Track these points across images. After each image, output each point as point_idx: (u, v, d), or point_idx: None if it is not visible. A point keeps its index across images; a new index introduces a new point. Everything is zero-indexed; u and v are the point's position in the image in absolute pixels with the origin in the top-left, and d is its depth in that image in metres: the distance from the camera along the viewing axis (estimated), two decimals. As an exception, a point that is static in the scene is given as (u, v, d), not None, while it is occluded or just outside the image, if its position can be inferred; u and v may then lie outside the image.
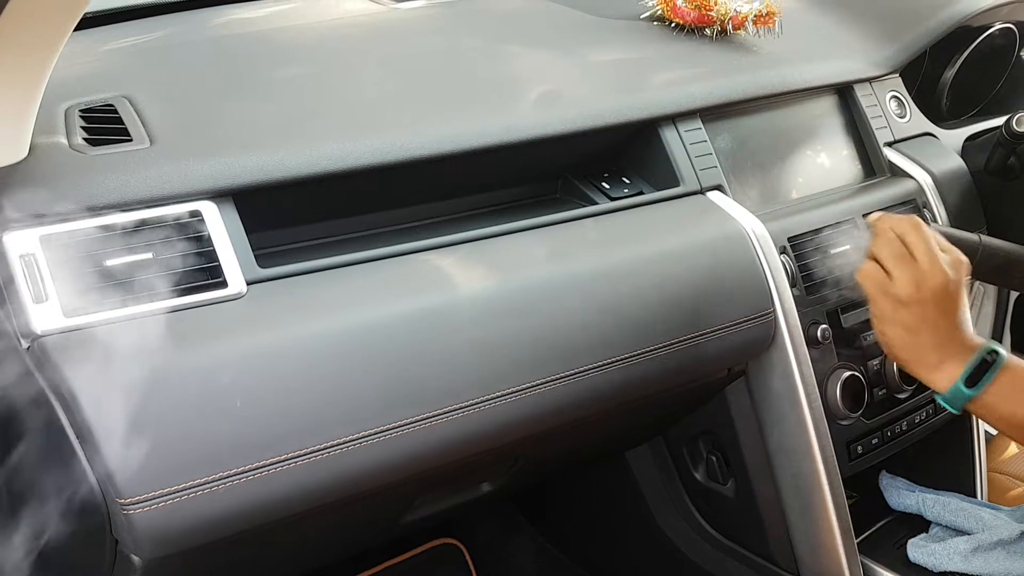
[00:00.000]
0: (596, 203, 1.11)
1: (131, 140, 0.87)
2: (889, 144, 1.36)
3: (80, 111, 0.91)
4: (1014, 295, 1.91)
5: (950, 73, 1.55)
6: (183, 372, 0.74)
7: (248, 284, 0.82)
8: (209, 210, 0.83)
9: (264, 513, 0.79)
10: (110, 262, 0.78)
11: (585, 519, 1.60)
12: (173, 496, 0.73)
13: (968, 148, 1.45)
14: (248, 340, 0.78)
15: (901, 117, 1.40)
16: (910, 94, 1.44)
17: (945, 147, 1.42)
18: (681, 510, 1.37)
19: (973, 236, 1.18)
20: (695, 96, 1.18)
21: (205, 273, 0.81)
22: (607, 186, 1.14)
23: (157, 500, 0.73)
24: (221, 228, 0.83)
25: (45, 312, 0.74)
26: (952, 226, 1.31)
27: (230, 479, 0.75)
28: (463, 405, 0.87)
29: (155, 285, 0.78)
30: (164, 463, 0.73)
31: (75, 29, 0.74)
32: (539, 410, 0.93)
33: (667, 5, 1.32)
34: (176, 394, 0.74)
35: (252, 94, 1.00)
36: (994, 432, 1.52)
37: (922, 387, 1.27)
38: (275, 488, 0.78)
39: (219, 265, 0.81)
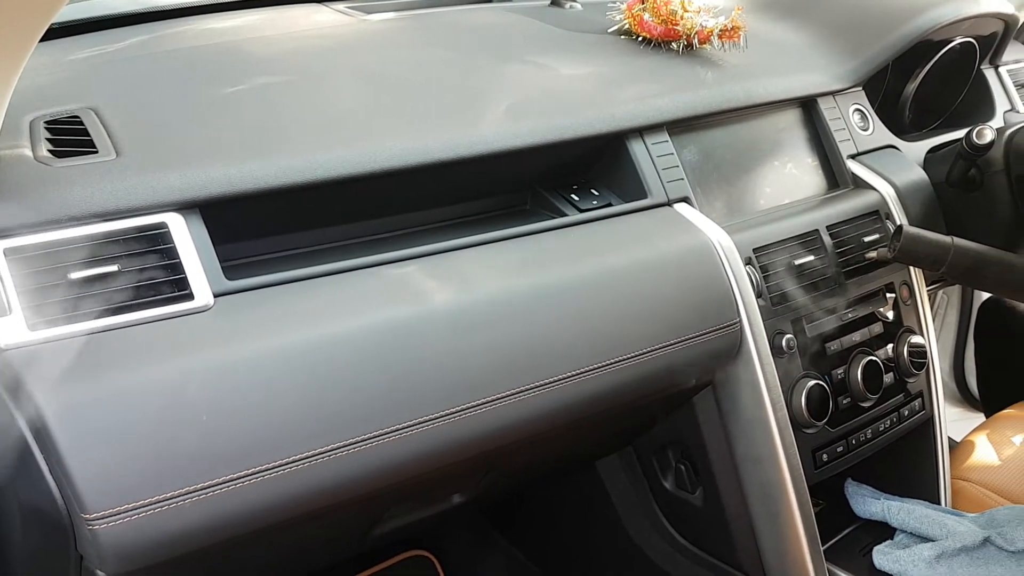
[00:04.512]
0: (565, 215, 1.11)
1: (97, 152, 0.87)
2: (852, 156, 1.38)
3: (45, 123, 0.91)
4: (977, 304, 1.95)
5: (912, 86, 1.57)
6: (148, 386, 0.74)
7: (215, 296, 0.82)
8: (175, 222, 0.83)
9: (231, 527, 0.78)
10: (75, 275, 0.77)
11: (556, 529, 1.60)
12: (138, 511, 0.73)
13: (930, 160, 1.48)
14: (214, 353, 0.78)
15: (864, 130, 1.42)
16: (873, 107, 1.46)
17: (907, 159, 1.44)
18: (651, 519, 1.38)
19: (946, 238, 1.20)
20: (662, 109, 1.20)
21: (171, 286, 0.80)
22: (576, 198, 1.15)
23: (122, 515, 0.72)
24: (188, 240, 0.83)
25: (8, 325, 0.73)
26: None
27: (196, 493, 0.75)
28: (432, 417, 0.87)
29: (120, 298, 0.78)
30: (129, 478, 0.73)
31: (40, 40, 0.74)
32: (509, 421, 0.93)
33: (634, 19, 1.34)
34: (141, 408, 0.73)
35: (220, 106, 1.00)
36: (958, 439, 1.54)
37: (886, 395, 1.29)
38: (242, 502, 0.77)
39: (185, 277, 0.81)
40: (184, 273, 0.81)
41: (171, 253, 0.82)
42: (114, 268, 0.79)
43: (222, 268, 0.84)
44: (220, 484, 0.76)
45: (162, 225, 0.82)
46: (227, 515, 0.77)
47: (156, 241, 0.82)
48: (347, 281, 0.90)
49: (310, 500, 0.83)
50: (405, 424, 0.85)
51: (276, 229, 0.98)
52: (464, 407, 0.89)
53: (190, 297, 0.80)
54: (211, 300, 0.81)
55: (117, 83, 1.03)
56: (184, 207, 0.85)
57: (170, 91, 1.02)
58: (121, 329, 0.76)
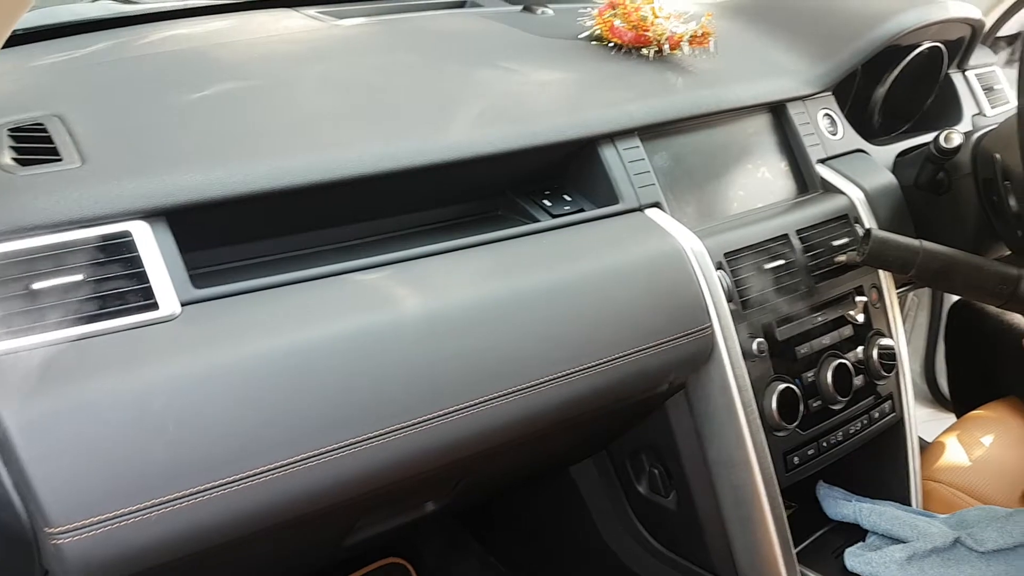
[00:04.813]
0: (538, 220, 1.11)
1: (61, 160, 0.86)
2: (822, 161, 1.39)
3: (9, 130, 0.89)
4: (947, 306, 1.97)
5: (881, 91, 1.59)
6: (113, 396, 0.73)
7: (182, 305, 0.81)
8: (141, 230, 0.82)
9: (199, 540, 0.77)
10: (38, 285, 0.76)
11: (531, 535, 1.60)
12: (104, 524, 0.72)
13: (899, 164, 1.49)
14: (181, 362, 0.77)
15: (833, 134, 1.43)
16: (843, 112, 1.47)
17: (876, 163, 1.45)
18: (625, 523, 1.38)
19: (914, 241, 1.21)
20: (633, 115, 1.20)
21: (136, 295, 0.79)
22: (548, 203, 1.15)
23: (87, 529, 0.71)
24: (154, 248, 0.82)
25: (-31, 337, 0.72)
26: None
27: (163, 506, 0.74)
28: (404, 425, 0.87)
29: (85, 308, 0.77)
30: (94, 491, 0.72)
31: (4, 46, 0.73)
32: (482, 428, 0.93)
33: (605, 25, 1.34)
34: (106, 420, 0.72)
35: (188, 112, 0.99)
36: (929, 440, 1.56)
37: (856, 398, 1.30)
38: (210, 514, 0.77)
39: (150, 287, 0.80)
40: (148, 282, 0.80)
41: (136, 262, 0.81)
42: (78, 278, 0.78)
43: (190, 276, 0.83)
44: (188, 496, 0.75)
45: (126, 234, 0.81)
46: (195, 527, 0.76)
47: (121, 250, 0.81)
48: (317, 289, 0.89)
49: (280, 511, 0.82)
50: (376, 433, 0.85)
51: (245, 236, 0.98)
52: (436, 415, 0.89)
53: (155, 307, 0.79)
54: (178, 309, 0.80)
55: (83, 90, 1.02)
56: (150, 215, 0.84)
57: (138, 98, 1.01)
58: (85, 340, 0.75)
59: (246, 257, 0.98)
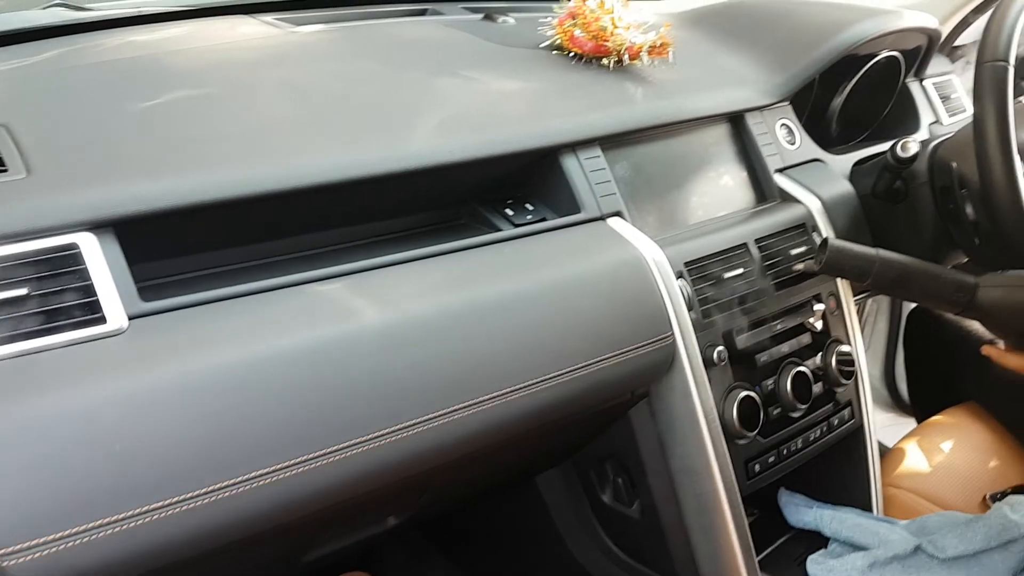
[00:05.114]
0: (500, 229, 1.11)
1: (7, 171, 0.83)
2: (780, 170, 1.40)
3: (-48, 141, 0.87)
4: (906, 312, 1.99)
5: (839, 100, 1.60)
6: (58, 414, 0.71)
7: (130, 319, 0.79)
8: (87, 242, 0.80)
9: (150, 560, 0.75)
10: (-21, 300, 0.74)
11: (497, 546, 1.59)
12: (51, 545, 0.70)
13: (856, 172, 1.50)
14: (129, 378, 0.75)
15: (791, 144, 1.44)
16: (801, 121, 1.48)
17: (833, 172, 1.46)
18: (589, 533, 1.38)
19: (870, 250, 1.22)
20: (594, 125, 1.20)
21: (82, 309, 0.77)
22: (511, 212, 1.14)
23: (34, 550, 0.69)
24: (101, 261, 0.80)
25: (-93, 354, 0.70)
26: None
27: (112, 526, 0.72)
28: (363, 439, 0.85)
29: (29, 323, 0.75)
30: (41, 511, 0.70)
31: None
32: (443, 441, 0.92)
33: (565, 35, 1.34)
34: (51, 438, 0.70)
35: (140, 120, 0.97)
36: (889, 446, 1.57)
37: (815, 405, 1.31)
38: (162, 533, 0.75)
39: (97, 300, 0.78)
40: (95, 295, 0.78)
41: (82, 275, 0.79)
42: (22, 292, 0.75)
43: (139, 289, 0.81)
44: (137, 515, 0.73)
45: (72, 246, 0.79)
46: (145, 547, 0.74)
47: (67, 263, 0.79)
48: (270, 300, 0.87)
49: (236, 529, 0.80)
50: (334, 448, 0.83)
51: (198, 247, 0.96)
52: (397, 428, 0.88)
53: (102, 320, 0.77)
54: (125, 323, 0.78)
55: (31, 98, 0.99)
56: (98, 226, 0.82)
57: (88, 106, 0.98)
58: (29, 355, 0.73)
59: (199, 268, 0.96)
